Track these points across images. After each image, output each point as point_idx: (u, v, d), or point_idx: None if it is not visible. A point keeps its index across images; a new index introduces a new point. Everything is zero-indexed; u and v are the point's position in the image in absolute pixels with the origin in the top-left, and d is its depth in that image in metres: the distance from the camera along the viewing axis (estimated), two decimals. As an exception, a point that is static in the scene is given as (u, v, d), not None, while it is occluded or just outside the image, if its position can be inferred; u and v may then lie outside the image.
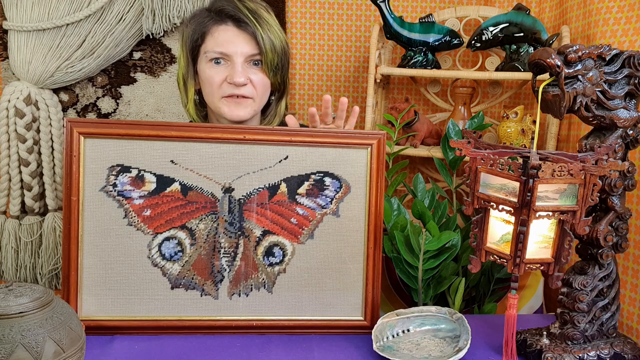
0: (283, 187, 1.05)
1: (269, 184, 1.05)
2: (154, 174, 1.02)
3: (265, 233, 1.05)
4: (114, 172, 1.01)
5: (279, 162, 1.05)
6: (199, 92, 1.30)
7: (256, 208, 1.05)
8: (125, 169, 1.01)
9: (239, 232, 1.05)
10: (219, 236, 1.04)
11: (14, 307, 0.73)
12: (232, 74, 1.19)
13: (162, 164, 1.02)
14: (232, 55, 1.20)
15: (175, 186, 1.03)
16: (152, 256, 1.03)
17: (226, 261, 1.04)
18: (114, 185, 1.01)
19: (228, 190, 1.04)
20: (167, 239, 1.03)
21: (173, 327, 1.03)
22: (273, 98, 1.33)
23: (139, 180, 1.02)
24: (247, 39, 1.20)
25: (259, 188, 1.05)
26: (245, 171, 1.04)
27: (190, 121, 1.34)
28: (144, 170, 1.02)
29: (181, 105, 1.71)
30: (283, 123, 1.35)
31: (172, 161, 1.02)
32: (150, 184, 1.02)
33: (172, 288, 1.03)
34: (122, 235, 1.02)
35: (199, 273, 1.04)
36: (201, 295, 1.04)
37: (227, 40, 1.20)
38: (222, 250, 1.04)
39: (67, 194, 1.00)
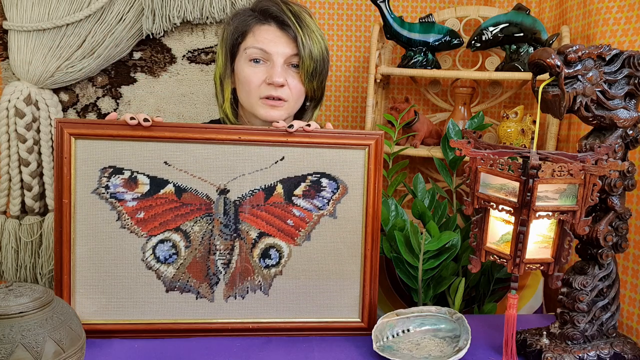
0: (279, 189, 1.04)
1: (265, 185, 1.04)
2: (147, 175, 1.01)
3: (261, 235, 1.04)
4: (106, 174, 1.00)
5: (275, 163, 1.04)
6: (233, 91, 1.29)
7: (252, 210, 1.04)
8: (118, 171, 1.00)
9: (235, 234, 1.04)
10: (214, 238, 1.03)
11: (14, 307, 0.73)
12: (271, 74, 1.18)
13: (155, 166, 1.01)
14: (272, 54, 1.18)
15: (169, 188, 1.02)
16: (147, 259, 1.02)
17: (222, 263, 1.03)
18: (107, 187, 1.00)
19: (223, 191, 1.03)
20: (162, 241, 1.02)
21: (168, 331, 1.02)
22: (308, 104, 1.31)
23: (131, 182, 1.01)
24: (288, 40, 1.19)
25: (255, 189, 1.04)
26: (241, 172, 1.03)
27: (222, 121, 1.31)
28: (137, 172, 1.01)
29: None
30: None
31: (165, 162, 1.01)
32: (144, 185, 1.01)
33: (167, 291, 1.02)
34: (115, 238, 1.01)
35: (194, 276, 1.03)
36: (197, 298, 1.03)
37: (269, 39, 1.19)
38: (218, 253, 1.03)
39: (58, 196, 0.98)
